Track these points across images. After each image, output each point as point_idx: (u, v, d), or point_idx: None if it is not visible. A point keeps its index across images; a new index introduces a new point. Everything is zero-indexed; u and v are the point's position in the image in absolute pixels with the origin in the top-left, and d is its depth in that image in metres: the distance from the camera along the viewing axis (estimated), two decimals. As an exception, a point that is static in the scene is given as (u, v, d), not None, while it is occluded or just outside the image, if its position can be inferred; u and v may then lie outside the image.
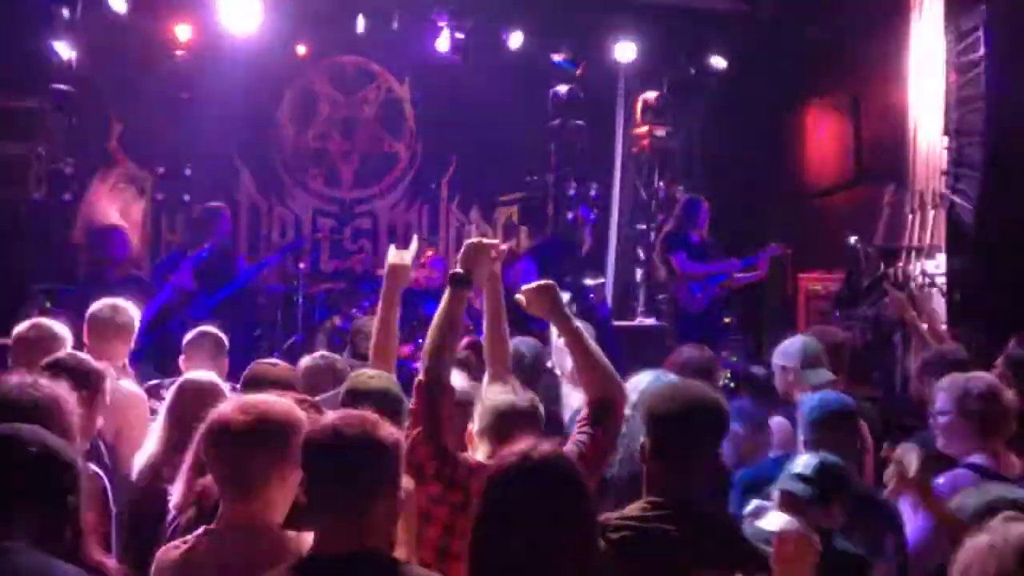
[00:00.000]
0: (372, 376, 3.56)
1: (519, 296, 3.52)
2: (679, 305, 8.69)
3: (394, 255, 4.04)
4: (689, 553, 1.98)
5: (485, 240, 3.61)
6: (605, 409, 3.23)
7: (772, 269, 9.16)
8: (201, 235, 8.30)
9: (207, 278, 7.84)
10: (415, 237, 4.21)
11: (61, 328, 4.53)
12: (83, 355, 3.93)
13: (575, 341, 3.34)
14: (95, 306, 4.94)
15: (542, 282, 3.48)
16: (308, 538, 2.52)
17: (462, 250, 3.57)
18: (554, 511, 2.32)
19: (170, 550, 2.61)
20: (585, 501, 2.41)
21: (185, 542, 2.60)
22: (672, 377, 3.76)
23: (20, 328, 4.55)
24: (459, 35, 9.98)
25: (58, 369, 3.38)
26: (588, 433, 3.19)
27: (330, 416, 2.41)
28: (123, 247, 8.10)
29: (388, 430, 2.37)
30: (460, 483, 3.12)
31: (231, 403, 2.69)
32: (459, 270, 3.49)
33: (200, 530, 2.61)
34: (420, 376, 3.33)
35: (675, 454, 2.73)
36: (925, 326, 6.32)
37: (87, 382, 3.49)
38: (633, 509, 2.67)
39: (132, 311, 4.98)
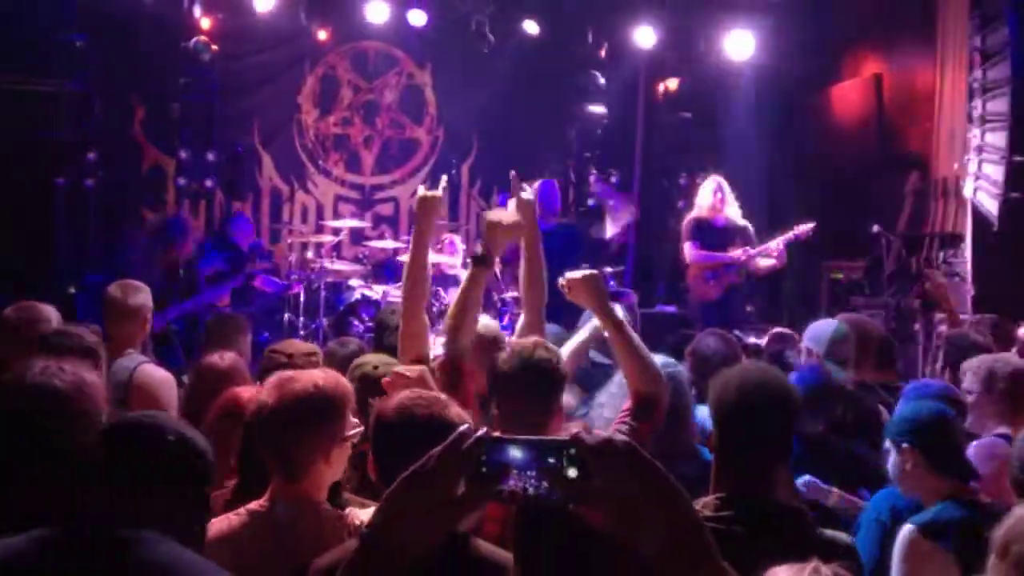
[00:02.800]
0: (377, 366, 3.47)
1: (562, 281, 3.39)
2: (696, 293, 8.61)
3: (422, 190, 3.90)
4: (762, 552, 1.87)
5: (505, 221, 3.59)
6: (649, 404, 3.17)
7: (792, 256, 9.03)
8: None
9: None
10: (444, 177, 4.07)
11: (46, 309, 4.44)
12: (74, 330, 3.86)
13: (617, 333, 3.21)
14: (109, 288, 4.85)
15: (587, 271, 3.38)
16: (355, 511, 2.54)
17: (484, 229, 3.60)
18: None
19: (214, 525, 2.54)
20: None
21: (237, 515, 2.57)
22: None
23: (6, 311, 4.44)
24: (480, 19, 9.96)
25: (48, 349, 3.30)
26: (630, 425, 3.12)
27: (399, 396, 2.39)
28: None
29: (457, 411, 2.35)
30: None
31: (270, 385, 2.62)
32: (479, 250, 3.52)
33: (253, 504, 2.59)
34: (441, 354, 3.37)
35: (743, 447, 2.58)
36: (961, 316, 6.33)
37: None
38: (706, 506, 2.52)
39: (145, 292, 4.84)
